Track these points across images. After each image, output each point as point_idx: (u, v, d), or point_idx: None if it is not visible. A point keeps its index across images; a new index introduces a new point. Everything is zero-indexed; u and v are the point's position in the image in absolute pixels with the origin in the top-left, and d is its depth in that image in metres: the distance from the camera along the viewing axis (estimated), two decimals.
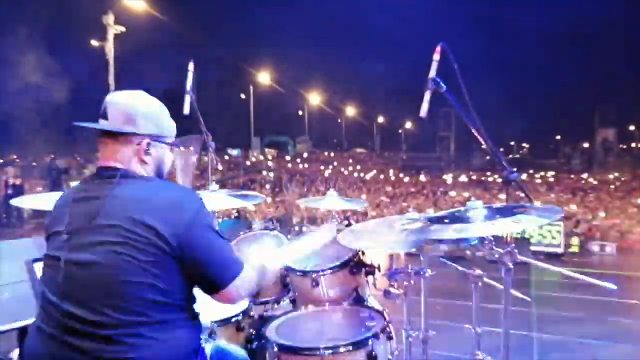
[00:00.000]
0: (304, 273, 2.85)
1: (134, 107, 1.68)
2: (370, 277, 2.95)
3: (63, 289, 1.53)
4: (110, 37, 18.55)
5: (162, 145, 1.74)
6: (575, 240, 11.54)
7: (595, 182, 34.86)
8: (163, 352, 1.52)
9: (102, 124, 1.66)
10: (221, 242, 1.66)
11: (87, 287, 1.50)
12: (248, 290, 1.69)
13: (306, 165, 41.27)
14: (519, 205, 2.08)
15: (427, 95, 2.09)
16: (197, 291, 1.71)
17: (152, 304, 1.51)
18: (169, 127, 1.78)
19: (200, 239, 1.58)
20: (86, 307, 1.49)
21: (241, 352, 2.05)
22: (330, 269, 2.81)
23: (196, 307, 1.71)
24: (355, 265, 2.86)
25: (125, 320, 1.48)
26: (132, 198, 1.57)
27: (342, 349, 2.14)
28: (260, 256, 1.87)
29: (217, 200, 2.98)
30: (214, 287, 1.64)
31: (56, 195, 1.81)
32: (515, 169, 2.18)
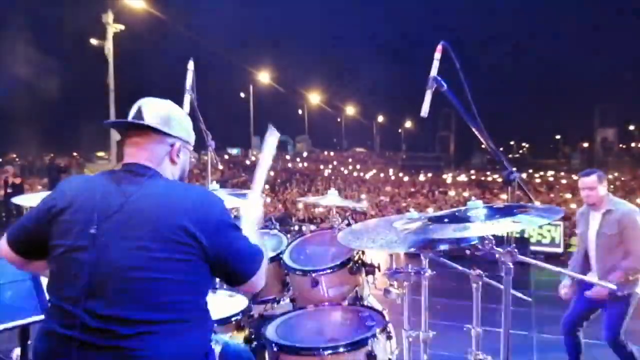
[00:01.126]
0: (304, 273, 2.85)
1: (169, 110, 1.75)
2: (370, 277, 2.95)
3: (88, 285, 1.49)
4: (110, 36, 18.54)
5: (187, 150, 1.82)
6: (575, 240, 11.54)
7: None
8: (180, 351, 1.53)
9: (146, 120, 1.69)
10: (243, 237, 1.71)
11: (115, 284, 1.48)
12: (265, 272, 1.76)
13: (306, 165, 41.25)
14: (519, 205, 2.08)
15: (428, 95, 2.08)
16: None
17: (177, 302, 1.53)
18: (193, 134, 1.87)
19: (226, 237, 1.63)
20: (112, 304, 1.47)
21: (247, 352, 2.05)
22: (330, 268, 2.81)
23: None
24: (355, 265, 2.85)
25: (150, 318, 1.49)
26: (163, 198, 1.59)
27: (341, 349, 2.14)
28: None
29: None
30: (240, 280, 1.69)
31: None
32: (515, 169, 2.18)
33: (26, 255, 1.69)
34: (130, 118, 1.71)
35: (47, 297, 1.62)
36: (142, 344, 1.47)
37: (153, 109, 1.72)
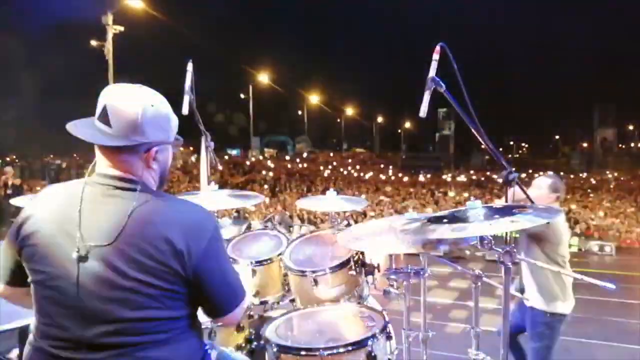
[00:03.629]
0: (304, 273, 2.85)
1: (139, 114, 1.48)
2: (370, 277, 2.95)
3: (73, 305, 1.43)
4: (110, 37, 18.55)
5: (167, 147, 1.63)
6: (574, 240, 11.56)
7: (594, 182, 34.88)
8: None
9: (105, 132, 1.50)
10: (230, 267, 1.63)
11: (95, 306, 1.42)
12: (243, 312, 1.75)
13: (305, 165, 41.27)
14: (519, 205, 2.08)
15: (427, 95, 2.09)
16: None
17: (159, 323, 1.47)
18: (175, 126, 1.63)
19: (213, 265, 1.53)
20: (93, 327, 1.42)
21: (242, 357, 2.04)
22: (330, 269, 2.81)
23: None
24: (354, 265, 2.86)
25: (132, 341, 1.44)
26: (154, 217, 1.47)
27: (341, 349, 2.14)
28: None
29: (217, 200, 2.98)
30: (219, 312, 1.62)
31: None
32: (514, 169, 2.18)
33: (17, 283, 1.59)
34: (96, 118, 1.51)
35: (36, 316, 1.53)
36: None
37: (120, 114, 1.47)
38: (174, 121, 1.63)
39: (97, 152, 1.56)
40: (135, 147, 1.52)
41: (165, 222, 1.46)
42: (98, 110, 1.51)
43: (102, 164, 1.54)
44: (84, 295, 1.42)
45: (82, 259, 1.42)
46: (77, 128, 1.52)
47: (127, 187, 1.50)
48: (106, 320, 1.42)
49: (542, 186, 3.53)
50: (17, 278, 1.57)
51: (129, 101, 1.50)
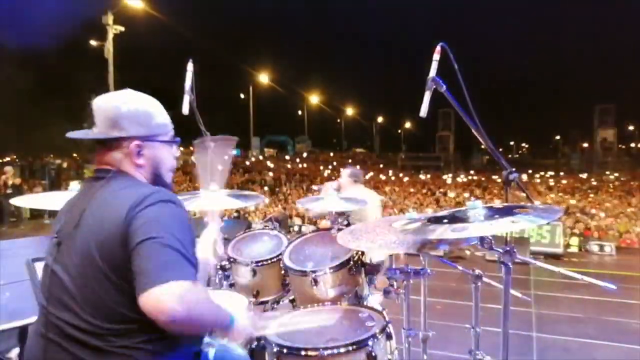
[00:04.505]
0: (304, 273, 2.85)
1: (117, 109, 1.59)
2: (370, 277, 2.95)
3: (49, 293, 1.53)
4: (110, 37, 18.54)
5: (155, 144, 1.65)
6: (574, 240, 11.55)
7: (594, 182, 34.89)
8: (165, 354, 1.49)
9: (93, 132, 1.63)
10: (177, 242, 1.42)
11: (70, 293, 1.48)
12: (185, 305, 1.34)
13: (305, 165, 41.27)
14: (519, 205, 2.08)
15: (427, 95, 2.09)
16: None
17: (134, 312, 1.40)
18: (161, 124, 1.67)
19: (143, 224, 1.43)
20: (72, 313, 1.47)
21: (243, 354, 2.04)
22: (330, 268, 2.81)
23: None
24: (355, 265, 2.86)
25: (113, 329, 1.44)
26: (106, 200, 1.52)
27: (341, 349, 2.14)
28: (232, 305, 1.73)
29: (217, 200, 2.98)
30: (139, 286, 1.38)
31: (55, 195, 1.81)
32: (514, 169, 2.18)
33: None
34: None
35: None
36: (114, 358, 1.44)
37: (102, 112, 1.61)
38: (158, 119, 1.67)
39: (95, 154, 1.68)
40: (116, 143, 1.62)
41: (109, 206, 1.51)
42: (92, 119, 1.65)
43: (95, 163, 1.67)
44: (56, 281, 1.53)
45: (58, 245, 1.56)
46: (74, 133, 1.67)
47: (101, 176, 1.61)
48: (79, 306, 1.49)
49: (344, 175, 4.70)
50: None
51: (109, 101, 1.63)
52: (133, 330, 1.45)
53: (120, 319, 1.45)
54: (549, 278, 7.22)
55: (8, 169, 13.60)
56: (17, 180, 13.48)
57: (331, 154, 54.70)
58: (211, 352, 1.76)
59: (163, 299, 1.33)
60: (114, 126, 1.59)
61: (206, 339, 1.76)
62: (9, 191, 12.59)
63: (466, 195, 23.37)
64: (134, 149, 1.61)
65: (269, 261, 3.12)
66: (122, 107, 1.60)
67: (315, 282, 2.79)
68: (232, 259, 3.22)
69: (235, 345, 2.00)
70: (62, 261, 1.53)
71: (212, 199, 2.80)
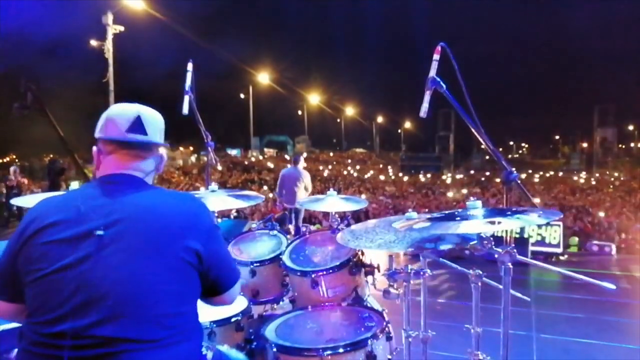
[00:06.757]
0: (304, 273, 2.85)
1: (161, 121, 1.77)
2: (369, 277, 2.94)
3: (74, 300, 1.42)
4: (110, 37, 18.53)
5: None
6: (574, 240, 11.56)
7: (594, 182, 34.90)
8: None
9: (143, 139, 1.68)
10: (226, 247, 1.77)
11: (104, 299, 1.42)
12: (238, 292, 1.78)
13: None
14: (519, 205, 2.08)
15: (427, 95, 2.09)
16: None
17: (172, 315, 1.49)
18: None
19: (217, 244, 1.67)
20: (99, 321, 1.40)
21: (241, 356, 2.04)
22: (330, 269, 2.81)
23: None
24: (354, 265, 2.85)
25: (139, 336, 1.42)
26: (154, 208, 1.59)
27: (341, 350, 2.14)
28: None
29: (217, 200, 2.98)
30: (218, 291, 1.70)
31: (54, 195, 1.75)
32: (514, 169, 2.18)
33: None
34: (126, 129, 1.64)
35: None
36: None
37: (153, 122, 1.72)
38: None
39: (113, 159, 1.66)
40: (157, 151, 1.76)
41: (168, 217, 1.60)
42: (129, 122, 1.66)
43: (111, 169, 1.67)
44: (88, 285, 1.50)
45: (88, 251, 1.51)
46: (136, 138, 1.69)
47: (126, 181, 1.65)
48: (109, 313, 1.49)
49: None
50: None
51: (156, 114, 1.76)
52: (157, 340, 1.47)
53: (154, 324, 1.47)
54: (548, 278, 7.22)
55: (13, 168, 13.61)
56: (24, 180, 13.50)
57: (331, 154, 54.68)
58: (209, 355, 1.76)
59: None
60: (162, 137, 1.76)
61: (204, 343, 1.76)
62: (14, 191, 12.60)
63: (464, 191, 23.38)
64: (165, 157, 1.80)
65: (269, 261, 3.12)
66: (162, 119, 1.77)
67: (316, 282, 2.79)
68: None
69: (233, 351, 2.00)
70: (103, 265, 1.45)
71: (212, 199, 2.81)
